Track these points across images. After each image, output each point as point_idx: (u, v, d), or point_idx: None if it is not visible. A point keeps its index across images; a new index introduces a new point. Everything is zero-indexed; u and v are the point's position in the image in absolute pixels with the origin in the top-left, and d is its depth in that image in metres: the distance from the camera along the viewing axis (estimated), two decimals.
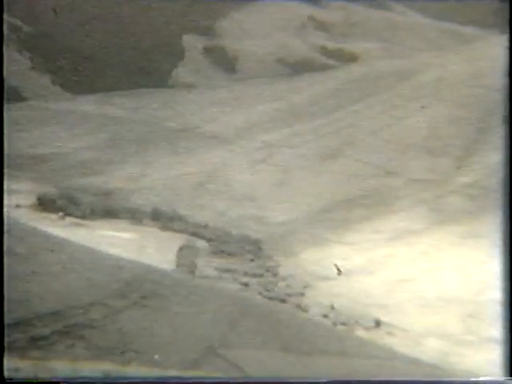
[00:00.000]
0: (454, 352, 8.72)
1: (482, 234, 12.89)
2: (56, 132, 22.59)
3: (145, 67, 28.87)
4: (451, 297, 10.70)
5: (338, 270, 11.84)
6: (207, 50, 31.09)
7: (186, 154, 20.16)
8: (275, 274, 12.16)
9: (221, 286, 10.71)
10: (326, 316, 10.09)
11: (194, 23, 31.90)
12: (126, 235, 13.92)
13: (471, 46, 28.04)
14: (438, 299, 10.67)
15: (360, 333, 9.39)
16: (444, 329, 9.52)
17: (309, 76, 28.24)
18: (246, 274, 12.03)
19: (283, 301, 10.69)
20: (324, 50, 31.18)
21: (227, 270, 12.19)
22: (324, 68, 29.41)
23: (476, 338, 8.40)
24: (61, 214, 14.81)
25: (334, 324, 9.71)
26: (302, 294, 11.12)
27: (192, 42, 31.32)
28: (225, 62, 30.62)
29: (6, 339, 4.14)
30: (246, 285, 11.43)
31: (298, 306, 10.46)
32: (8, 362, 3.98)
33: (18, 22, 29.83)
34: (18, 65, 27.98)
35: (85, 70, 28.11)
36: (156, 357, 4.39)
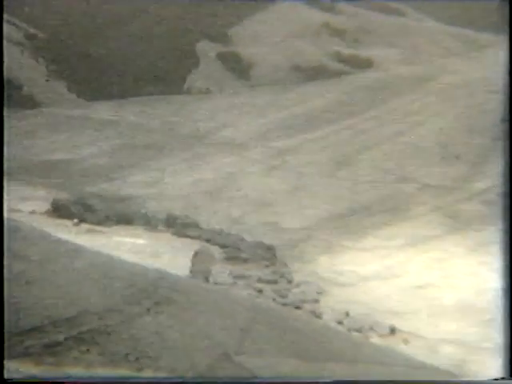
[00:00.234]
0: (470, 359, 8.66)
1: (497, 241, 12.81)
2: (71, 138, 22.70)
3: (159, 74, 28.98)
4: (467, 304, 10.64)
5: None
6: (221, 57, 31.16)
7: (200, 161, 20.20)
8: (290, 281, 12.13)
9: (235, 292, 10.70)
10: (340, 322, 10.06)
11: (208, 30, 31.99)
12: (140, 241, 13.94)
13: (486, 51, 27.97)
14: (453, 306, 10.61)
15: (375, 340, 9.35)
16: (460, 336, 9.46)
17: (323, 82, 28.25)
18: (260, 280, 12.02)
19: (298, 307, 10.67)
20: (339, 57, 31.18)
21: (241, 277, 12.18)
22: (339, 74, 29.41)
23: (492, 345, 8.33)
24: (75, 220, 14.86)
25: (349, 331, 9.67)
26: (317, 301, 11.09)
27: (206, 49, 31.40)
28: (239, 69, 30.68)
29: (21, 345, 4.14)
30: (260, 291, 11.41)
31: (313, 313, 10.43)
32: (23, 368, 3.99)
33: (33, 29, 30.02)
34: (33, 72, 28.15)
35: (100, 77, 28.26)
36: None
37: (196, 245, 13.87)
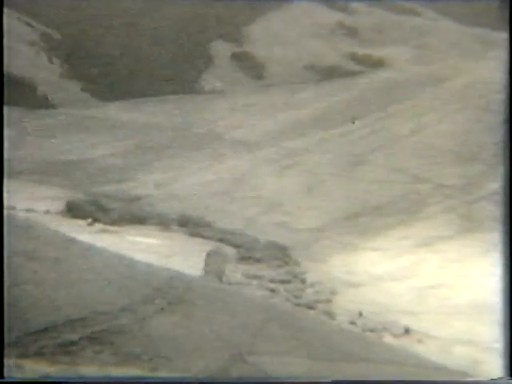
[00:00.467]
0: (484, 359, 8.63)
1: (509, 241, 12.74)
2: (84, 138, 22.78)
3: (173, 74, 29.02)
4: (481, 304, 10.59)
5: None
6: (235, 57, 31.17)
7: (213, 161, 20.22)
8: (303, 281, 12.13)
9: (248, 292, 10.71)
10: (353, 323, 10.04)
11: (222, 30, 32.00)
12: (153, 241, 13.98)
13: (501, 51, 27.79)
14: (467, 306, 10.58)
15: (388, 340, 9.33)
16: (474, 336, 9.43)
17: (337, 82, 28.20)
18: (273, 280, 12.02)
19: (311, 307, 10.66)
20: (352, 56, 31.12)
21: (255, 277, 12.19)
22: (353, 74, 29.35)
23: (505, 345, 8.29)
24: (89, 220, 14.92)
25: (362, 331, 9.66)
26: (330, 301, 11.08)
27: (220, 49, 31.42)
28: (252, 69, 30.68)
29: (35, 344, 4.16)
30: (273, 291, 11.42)
31: (326, 313, 10.43)
32: (37, 368, 4.01)
33: (48, 30, 30.15)
34: (47, 72, 28.27)
35: (114, 77, 28.33)
36: None
37: (209, 245, 13.89)
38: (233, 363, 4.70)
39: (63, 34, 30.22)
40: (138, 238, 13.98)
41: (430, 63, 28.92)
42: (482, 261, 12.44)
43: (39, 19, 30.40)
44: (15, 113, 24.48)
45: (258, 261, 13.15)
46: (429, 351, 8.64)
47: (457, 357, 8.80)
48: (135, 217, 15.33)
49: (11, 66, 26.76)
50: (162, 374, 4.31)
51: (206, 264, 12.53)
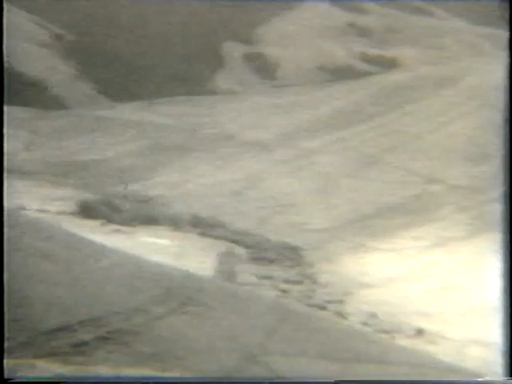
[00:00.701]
0: (497, 361, 8.58)
1: None
2: (97, 139, 22.84)
3: (185, 74, 29.06)
4: (494, 305, 10.54)
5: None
6: (247, 57, 31.18)
7: (225, 161, 20.22)
8: (315, 281, 12.11)
9: (260, 292, 10.69)
10: (366, 324, 10.02)
11: (234, 30, 32.03)
12: (166, 242, 14.00)
13: None
14: (481, 307, 10.53)
15: (401, 341, 9.30)
16: (487, 337, 9.38)
17: (349, 82, 28.15)
18: (285, 280, 12.01)
19: (323, 308, 10.64)
20: (365, 57, 31.07)
21: (267, 277, 12.18)
22: (365, 74, 29.29)
23: None
24: (102, 220, 14.96)
25: (375, 332, 9.63)
26: (342, 302, 11.06)
27: (232, 49, 31.45)
28: (265, 69, 30.68)
29: (48, 344, 4.17)
30: (285, 292, 11.41)
31: (338, 314, 10.40)
32: (50, 368, 4.02)
33: (61, 30, 30.26)
34: (60, 73, 28.37)
35: (126, 78, 28.40)
36: None
37: (221, 245, 13.90)
38: (244, 364, 4.69)
39: (76, 35, 30.32)
40: (150, 239, 14.00)
41: (442, 63, 28.84)
42: (497, 262, 12.36)
43: (52, 20, 30.51)
44: (27, 114, 24.58)
45: (270, 261, 13.14)
46: (442, 352, 8.61)
47: (470, 358, 8.76)
48: (148, 217, 15.35)
49: (24, 67, 26.88)
50: (174, 374, 4.32)
51: (218, 264, 12.54)
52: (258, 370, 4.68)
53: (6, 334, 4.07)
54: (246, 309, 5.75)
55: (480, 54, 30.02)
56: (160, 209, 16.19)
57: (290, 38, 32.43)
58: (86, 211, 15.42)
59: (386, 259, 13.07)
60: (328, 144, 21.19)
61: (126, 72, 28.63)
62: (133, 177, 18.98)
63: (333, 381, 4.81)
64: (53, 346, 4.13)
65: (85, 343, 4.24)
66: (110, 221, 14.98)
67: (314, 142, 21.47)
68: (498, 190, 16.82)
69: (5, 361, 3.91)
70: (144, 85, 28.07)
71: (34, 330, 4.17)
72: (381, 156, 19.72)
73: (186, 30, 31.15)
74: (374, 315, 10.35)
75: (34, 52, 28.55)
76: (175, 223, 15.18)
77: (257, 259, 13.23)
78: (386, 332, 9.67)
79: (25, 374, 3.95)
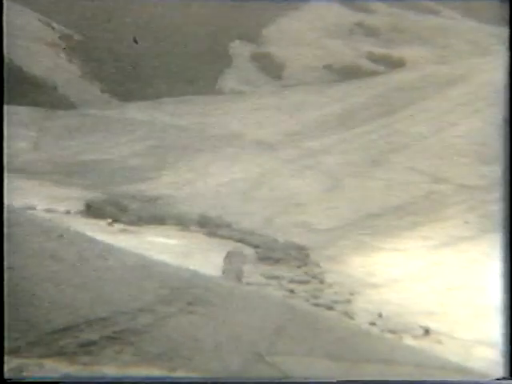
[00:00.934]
0: (504, 361, 8.55)
1: None
2: (104, 139, 22.87)
3: (192, 74, 29.07)
4: (501, 305, 10.51)
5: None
6: (254, 57, 31.17)
7: (232, 161, 20.22)
8: (322, 281, 12.10)
9: (267, 292, 10.69)
10: (373, 323, 10.00)
11: (241, 30, 32.03)
12: (173, 241, 14.00)
13: None
14: (488, 307, 10.50)
15: (408, 341, 9.29)
16: (494, 337, 9.36)
17: (356, 82, 28.11)
18: (292, 280, 12.00)
19: (330, 308, 10.63)
20: (372, 56, 31.02)
21: (274, 277, 12.17)
22: (372, 74, 29.26)
23: None
24: (109, 220, 14.97)
25: (382, 331, 9.62)
26: (349, 301, 11.04)
27: (239, 49, 31.44)
28: (272, 69, 30.67)
29: (56, 344, 4.18)
30: (292, 291, 11.40)
31: (345, 313, 10.39)
32: (58, 367, 4.02)
33: (69, 31, 30.30)
34: (68, 73, 28.40)
35: (133, 78, 28.43)
36: None
37: (228, 245, 13.89)
38: (252, 363, 4.69)
39: (84, 35, 30.36)
40: (157, 239, 14.01)
41: (449, 63, 28.77)
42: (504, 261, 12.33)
43: (60, 21, 30.56)
44: (36, 113, 24.62)
45: (277, 261, 13.14)
46: (449, 352, 8.59)
47: (477, 358, 8.74)
48: (155, 217, 15.36)
49: (32, 67, 26.93)
50: (182, 373, 4.32)
51: (225, 264, 12.54)
52: (265, 369, 4.68)
53: (15, 334, 4.08)
54: (254, 308, 5.75)
55: (488, 52, 29.94)
56: (167, 208, 16.20)
57: (297, 37, 32.42)
58: (93, 211, 15.45)
59: (392, 259, 13.05)
60: (335, 144, 21.17)
61: (133, 72, 28.65)
62: (140, 177, 19.00)
63: (335, 381, 4.80)
64: (60, 345, 4.13)
65: (92, 343, 4.24)
66: (116, 220, 15.00)
67: (320, 141, 21.45)
68: (505, 190, 16.77)
69: (14, 360, 3.92)
70: (151, 85, 28.09)
71: (42, 330, 4.18)
72: (388, 156, 19.69)
73: (194, 30, 31.15)
74: (380, 315, 10.34)
75: (42, 52, 28.60)
76: (182, 223, 15.19)
77: (264, 259, 13.23)
78: (392, 332, 9.66)
79: (32, 373, 3.95)
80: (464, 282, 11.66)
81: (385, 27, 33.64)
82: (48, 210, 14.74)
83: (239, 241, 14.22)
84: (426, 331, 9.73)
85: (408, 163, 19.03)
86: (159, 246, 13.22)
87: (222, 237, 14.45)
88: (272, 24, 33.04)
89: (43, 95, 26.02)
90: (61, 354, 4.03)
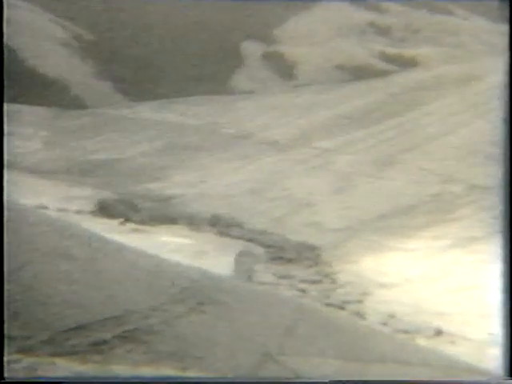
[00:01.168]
0: None
1: None
2: (116, 138, 22.93)
3: (204, 74, 29.11)
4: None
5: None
6: (265, 57, 31.18)
7: (243, 161, 20.24)
8: (333, 281, 12.09)
9: (278, 292, 10.69)
10: (385, 324, 9.99)
11: (252, 30, 32.04)
12: (184, 241, 14.03)
13: None
14: (501, 308, 10.45)
15: (421, 341, 9.26)
16: (508, 338, 9.31)
17: (368, 82, 28.07)
18: (303, 280, 12.00)
19: (341, 308, 10.62)
20: (384, 56, 30.97)
21: (285, 277, 12.18)
22: (384, 74, 29.20)
23: None
24: (121, 219, 15.01)
25: (394, 332, 9.60)
26: (361, 301, 11.03)
27: (250, 49, 31.46)
28: (283, 69, 30.67)
29: (68, 343, 4.18)
30: (303, 291, 11.40)
31: (357, 314, 10.38)
32: (69, 366, 4.03)
33: (81, 31, 30.41)
34: (79, 72, 28.50)
35: (145, 77, 28.50)
36: None
37: (239, 245, 13.91)
38: (263, 363, 4.69)
39: (96, 34, 30.46)
40: (169, 238, 14.04)
41: (462, 62, 28.68)
42: None
43: (72, 20, 30.66)
44: (48, 113, 24.72)
45: (289, 261, 13.14)
46: (462, 353, 8.56)
47: (490, 358, 8.70)
48: (166, 216, 15.40)
49: (44, 67, 27.03)
50: (193, 373, 4.32)
51: (236, 264, 12.55)
52: (276, 369, 4.68)
53: (27, 333, 4.10)
54: (265, 308, 5.75)
55: (501, 53, 29.80)
56: (178, 208, 16.23)
57: (308, 37, 32.39)
58: (105, 210, 15.49)
59: (404, 259, 13.02)
60: (346, 143, 21.15)
61: (144, 71, 28.72)
62: (151, 176, 19.04)
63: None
64: (72, 344, 4.14)
65: (103, 342, 4.25)
66: (128, 220, 15.04)
67: (332, 141, 21.43)
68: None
69: (26, 359, 3.93)
70: (163, 84, 28.15)
71: (54, 329, 4.18)
72: (399, 155, 19.65)
73: (205, 29, 31.19)
74: (392, 315, 10.32)
75: (54, 52, 28.70)
76: (193, 222, 15.22)
77: (275, 258, 13.23)
78: (405, 332, 9.64)
79: (44, 372, 3.96)
80: (476, 282, 11.62)
81: (397, 27, 33.56)
82: (60, 209, 14.79)
83: (250, 240, 14.23)
84: (439, 331, 9.70)
85: (420, 163, 18.98)
86: (171, 245, 13.24)
87: (234, 236, 14.46)
88: (283, 24, 33.04)
89: (55, 95, 26.11)
90: (73, 352, 4.04)
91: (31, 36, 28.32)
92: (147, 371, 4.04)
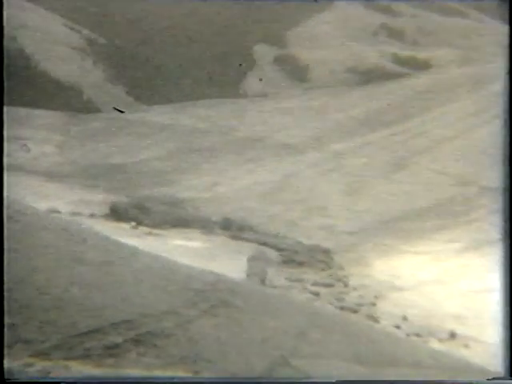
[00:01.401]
0: None
1: None
2: (129, 142, 22.99)
3: (216, 77, 29.14)
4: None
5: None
6: (278, 60, 31.19)
7: (256, 164, 20.23)
8: (346, 284, 12.08)
9: (291, 295, 10.69)
10: (398, 327, 9.95)
11: (265, 33, 32.05)
12: (196, 244, 14.04)
13: None
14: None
15: (434, 344, 9.23)
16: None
17: (381, 85, 28.02)
18: (316, 283, 11.99)
19: (354, 311, 10.60)
20: (396, 58, 30.90)
21: (298, 280, 12.16)
22: (397, 76, 29.14)
23: None
24: (133, 223, 15.04)
25: (407, 335, 9.57)
26: (374, 304, 11.00)
27: (263, 52, 31.47)
28: (295, 71, 30.66)
29: (81, 346, 4.20)
30: (316, 294, 11.38)
31: (370, 317, 10.35)
32: (83, 369, 4.05)
33: (93, 35, 30.52)
34: (92, 76, 28.60)
35: (157, 81, 28.56)
36: None
37: (252, 248, 13.90)
38: (276, 366, 4.69)
39: (108, 39, 30.56)
40: (181, 242, 14.06)
41: (475, 65, 28.59)
42: None
43: (85, 25, 30.79)
44: (61, 117, 24.81)
45: (301, 264, 13.12)
46: (475, 356, 8.52)
47: (504, 361, 8.65)
48: (178, 220, 15.41)
49: (57, 71, 27.14)
50: (205, 376, 4.32)
51: (249, 267, 12.54)
52: (289, 372, 4.67)
53: (41, 337, 4.12)
54: (277, 311, 5.74)
55: None
56: (191, 211, 16.24)
57: (321, 39, 32.37)
58: (118, 214, 15.53)
59: (418, 262, 12.98)
60: (359, 146, 21.11)
61: (157, 75, 28.78)
62: (163, 180, 19.07)
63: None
64: (85, 347, 4.16)
65: (116, 345, 4.26)
66: (141, 223, 15.07)
67: (344, 144, 21.40)
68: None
69: (40, 363, 3.95)
70: (175, 88, 28.20)
71: (68, 333, 4.20)
72: (412, 158, 19.59)
73: (218, 33, 31.22)
74: (406, 318, 10.29)
75: (67, 56, 28.82)
76: (206, 226, 15.23)
77: (288, 262, 13.22)
78: (418, 335, 9.60)
79: (58, 374, 3.98)
80: (490, 284, 11.56)
81: (410, 29, 33.49)
82: (73, 213, 14.84)
83: (263, 244, 14.23)
84: (452, 334, 9.66)
85: (432, 165, 18.92)
86: (183, 248, 13.26)
87: (246, 240, 14.46)
88: (296, 26, 33.03)
89: (68, 99, 26.21)
90: (86, 356, 4.05)
91: (44, 40, 28.46)
92: (159, 374, 4.05)
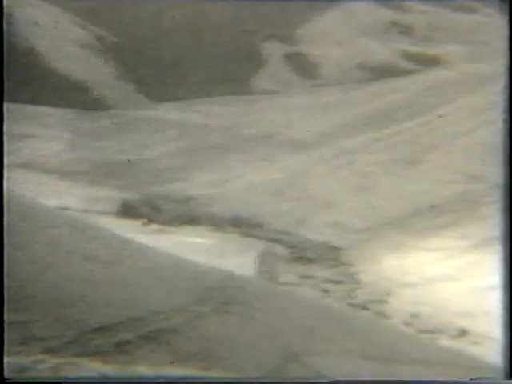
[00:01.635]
0: None
1: None
2: (138, 139, 23.02)
3: (226, 75, 29.15)
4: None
5: None
6: (288, 57, 31.16)
7: (266, 161, 20.24)
8: (357, 281, 12.07)
9: (301, 292, 10.68)
10: (409, 324, 9.94)
11: (274, 30, 32.03)
12: (207, 241, 14.06)
13: None
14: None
15: (445, 341, 9.21)
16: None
17: (391, 81, 27.97)
18: (326, 280, 11.99)
19: (365, 308, 10.60)
20: (407, 55, 30.83)
21: (308, 277, 12.17)
22: (407, 73, 29.08)
23: None
24: (144, 220, 15.08)
25: (418, 332, 9.56)
26: (385, 301, 11.00)
27: (273, 49, 31.45)
28: (305, 68, 30.63)
29: (92, 343, 4.21)
30: (326, 291, 11.39)
31: (380, 314, 10.35)
32: (93, 366, 4.05)
33: (103, 32, 30.57)
34: (102, 74, 28.65)
35: (167, 79, 28.58)
36: None
37: (262, 245, 13.92)
38: (287, 363, 4.68)
39: (118, 36, 30.61)
40: (191, 239, 14.09)
41: (486, 61, 28.46)
42: None
43: (94, 22, 30.84)
44: (71, 115, 24.87)
45: (311, 261, 13.13)
46: (486, 353, 8.49)
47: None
48: (189, 217, 15.45)
49: (67, 69, 27.20)
50: (216, 373, 4.32)
51: (259, 264, 12.55)
52: (300, 369, 4.67)
53: (51, 334, 4.13)
54: (288, 308, 5.74)
55: None
56: (201, 209, 16.27)
57: (330, 37, 32.32)
58: (128, 211, 15.57)
59: (428, 259, 12.96)
60: (368, 143, 21.08)
61: (167, 73, 28.81)
62: (173, 177, 19.10)
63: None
64: (96, 344, 4.16)
65: (126, 342, 4.26)
66: (151, 221, 15.10)
67: (354, 141, 21.37)
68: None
69: (51, 360, 3.96)
70: (185, 85, 28.22)
71: (78, 330, 4.21)
72: (422, 155, 19.55)
73: (228, 31, 31.23)
74: (416, 315, 10.28)
75: (76, 54, 28.88)
76: (216, 223, 15.25)
77: (298, 259, 13.23)
78: (428, 332, 9.59)
79: (68, 372, 3.99)
80: (501, 281, 11.52)
81: (420, 26, 33.39)
82: (83, 210, 14.89)
83: (273, 241, 14.25)
84: (463, 332, 9.65)
85: (442, 162, 18.88)
86: (194, 246, 13.28)
87: (256, 237, 14.48)
88: (306, 24, 32.99)
89: (78, 96, 26.27)
90: (96, 353, 4.05)
91: (53, 38, 28.52)
92: (170, 371, 4.05)
